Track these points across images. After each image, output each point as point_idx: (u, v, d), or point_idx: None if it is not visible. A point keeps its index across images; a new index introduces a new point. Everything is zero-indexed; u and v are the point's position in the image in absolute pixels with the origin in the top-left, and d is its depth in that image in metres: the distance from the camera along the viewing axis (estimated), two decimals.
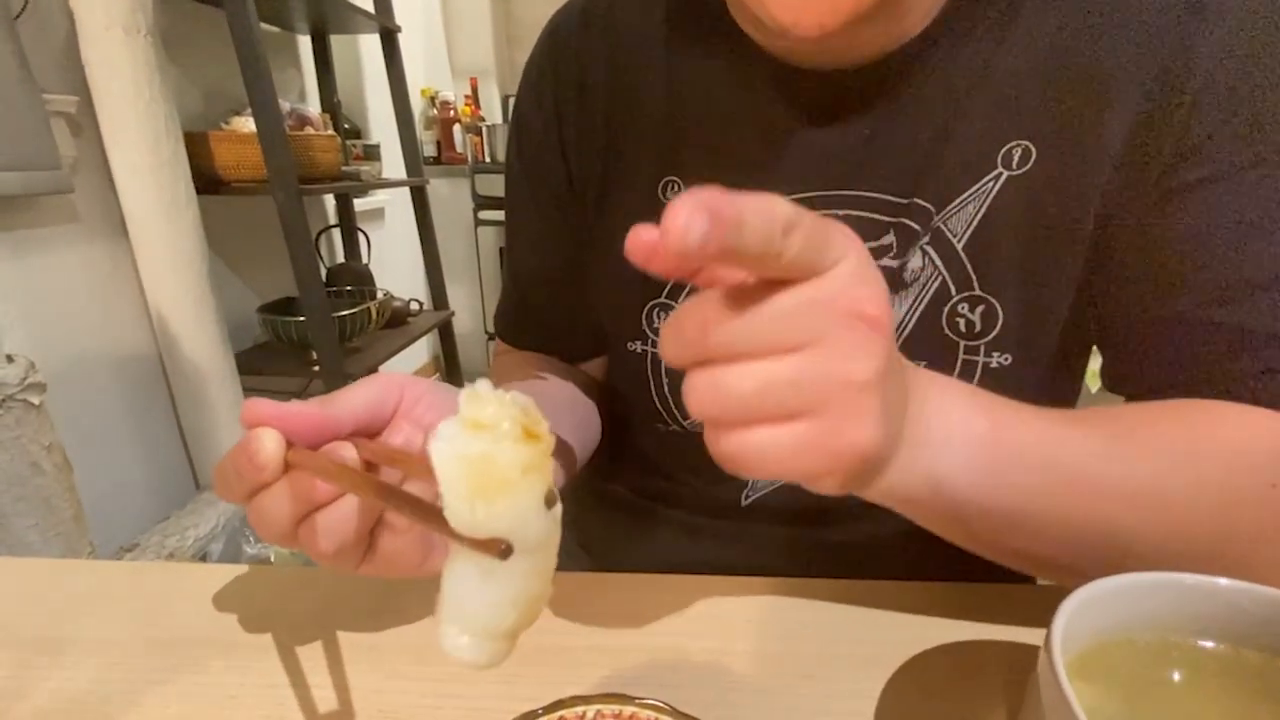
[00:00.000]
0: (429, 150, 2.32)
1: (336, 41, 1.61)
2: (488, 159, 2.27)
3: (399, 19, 1.56)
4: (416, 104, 2.18)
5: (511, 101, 2.56)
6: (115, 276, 1.07)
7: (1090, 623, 0.22)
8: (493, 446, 0.17)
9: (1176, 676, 0.23)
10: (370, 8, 1.47)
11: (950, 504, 0.25)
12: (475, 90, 2.39)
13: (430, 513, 0.18)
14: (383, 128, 1.91)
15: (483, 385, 0.18)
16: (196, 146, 1.10)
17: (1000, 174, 0.34)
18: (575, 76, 0.42)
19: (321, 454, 0.24)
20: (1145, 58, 0.31)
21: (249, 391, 1.21)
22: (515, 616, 0.18)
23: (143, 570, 0.38)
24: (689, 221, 0.15)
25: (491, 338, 2.14)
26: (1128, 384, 0.35)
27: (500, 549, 0.17)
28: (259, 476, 0.23)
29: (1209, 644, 0.23)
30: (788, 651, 0.29)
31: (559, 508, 0.18)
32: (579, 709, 0.22)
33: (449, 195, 2.25)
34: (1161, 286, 0.32)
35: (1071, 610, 0.21)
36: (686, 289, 0.40)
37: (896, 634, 0.29)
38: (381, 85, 1.66)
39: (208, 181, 1.12)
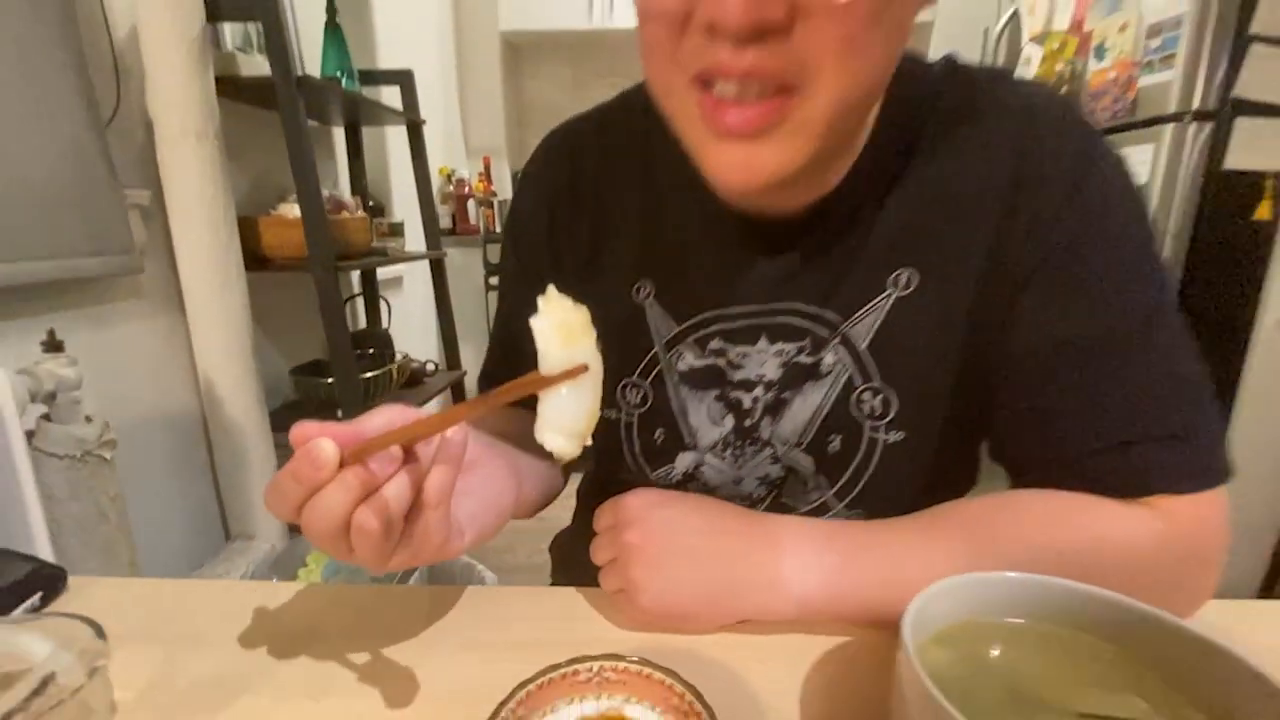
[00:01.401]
0: (444, 222, 2.49)
1: (367, 132, 1.80)
2: (498, 230, 2.44)
3: (421, 106, 1.75)
4: (434, 181, 2.36)
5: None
6: (171, 346, 1.19)
7: (944, 608, 0.32)
8: (568, 314, 0.30)
9: (1003, 647, 0.32)
10: (399, 105, 1.66)
11: (816, 614, 0.38)
12: (488, 168, 2.60)
13: (524, 382, 0.30)
14: (404, 202, 2.08)
15: (550, 290, 0.30)
16: (247, 230, 1.25)
17: (891, 294, 0.43)
18: (568, 187, 0.51)
19: (379, 435, 0.31)
20: (993, 203, 0.40)
21: (279, 448, 1.31)
22: (586, 421, 0.31)
23: (237, 587, 0.48)
24: None
25: None
26: (1001, 458, 0.45)
27: (584, 368, 0.30)
28: (319, 475, 0.29)
29: (1029, 622, 0.33)
30: (744, 639, 0.39)
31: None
32: (588, 664, 0.32)
33: (462, 263, 2.41)
34: (1016, 389, 0.42)
35: (922, 601, 0.30)
36: (654, 372, 0.50)
37: (829, 628, 0.39)
38: (404, 167, 1.84)
39: (254, 260, 1.26)
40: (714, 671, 0.36)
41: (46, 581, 0.44)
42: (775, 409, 0.47)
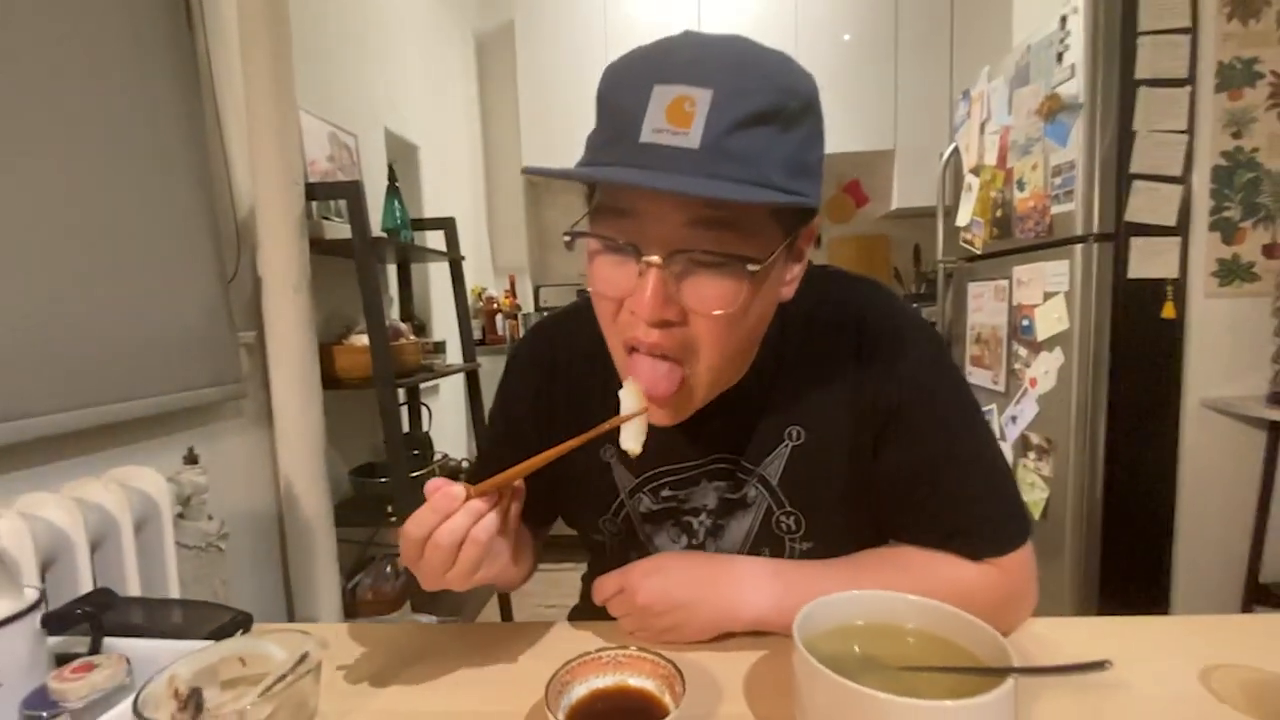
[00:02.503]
0: (475, 333, 2.80)
1: (414, 265, 2.13)
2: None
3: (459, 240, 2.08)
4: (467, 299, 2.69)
5: (541, 291, 3.11)
6: (259, 455, 1.44)
7: (826, 615, 0.51)
8: (636, 388, 0.51)
9: (860, 637, 0.51)
10: (443, 245, 2.00)
11: (769, 626, 0.55)
12: (513, 284, 2.94)
13: (615, 420, 0.51)
14: (442, 318, 2.39)
15: (628, 382, 0.51)
16: (324, 355, 1.52)
17: (787, 445, 0.59)
18: (547, 372, 0.66)
19: (492, 479, 0.47)
20: (845, 379, 0.57)
21: (340, 542, 1.52)
22: (642, 435, 0.51)
23: (356, 627, 0.67)
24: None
25: None
26: (894, 539, 0.63)
27: (646, 409, 0.51)
28: (453, 505, 0.45)
29: (875, 621, 0.52)
30: (716, 646, 0.58)
31: None
32: (608, 651, 0.51)
33: (491, 369, 2.69)
34: (887, 501, 0.59)
35: (806, 610, 0.49)
36: (622, 512, 0.64)
37: (769, 640, 0.58)
38: (444, 291, 2.16)
39: (328, 380, 1.53)
40: (688, 662, 0.56)
41: (243, 623, 0.65)
42: (715, 531, 0.63)
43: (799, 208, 0.47)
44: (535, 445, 0.68)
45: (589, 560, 0.77)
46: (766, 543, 0.63)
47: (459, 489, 0.46)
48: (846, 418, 0.59)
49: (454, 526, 0.46)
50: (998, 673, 0.43)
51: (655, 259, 0.45)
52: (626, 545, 0.67)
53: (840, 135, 2.82)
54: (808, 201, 0.46)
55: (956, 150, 2.15)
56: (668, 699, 0.49)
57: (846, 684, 0.42)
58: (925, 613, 0.50)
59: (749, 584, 0.57)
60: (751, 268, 0.45)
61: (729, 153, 0.42)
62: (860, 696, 0.41)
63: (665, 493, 0.63)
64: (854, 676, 0.41)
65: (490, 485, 0.48)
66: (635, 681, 0.51)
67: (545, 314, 2.98)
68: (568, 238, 0.50)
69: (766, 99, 0.43)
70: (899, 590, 0.51)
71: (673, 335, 0.48)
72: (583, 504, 0.68)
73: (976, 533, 0.57)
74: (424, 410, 2.11)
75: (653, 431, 0.60)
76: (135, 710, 0.44)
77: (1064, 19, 1.54)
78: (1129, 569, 1.57)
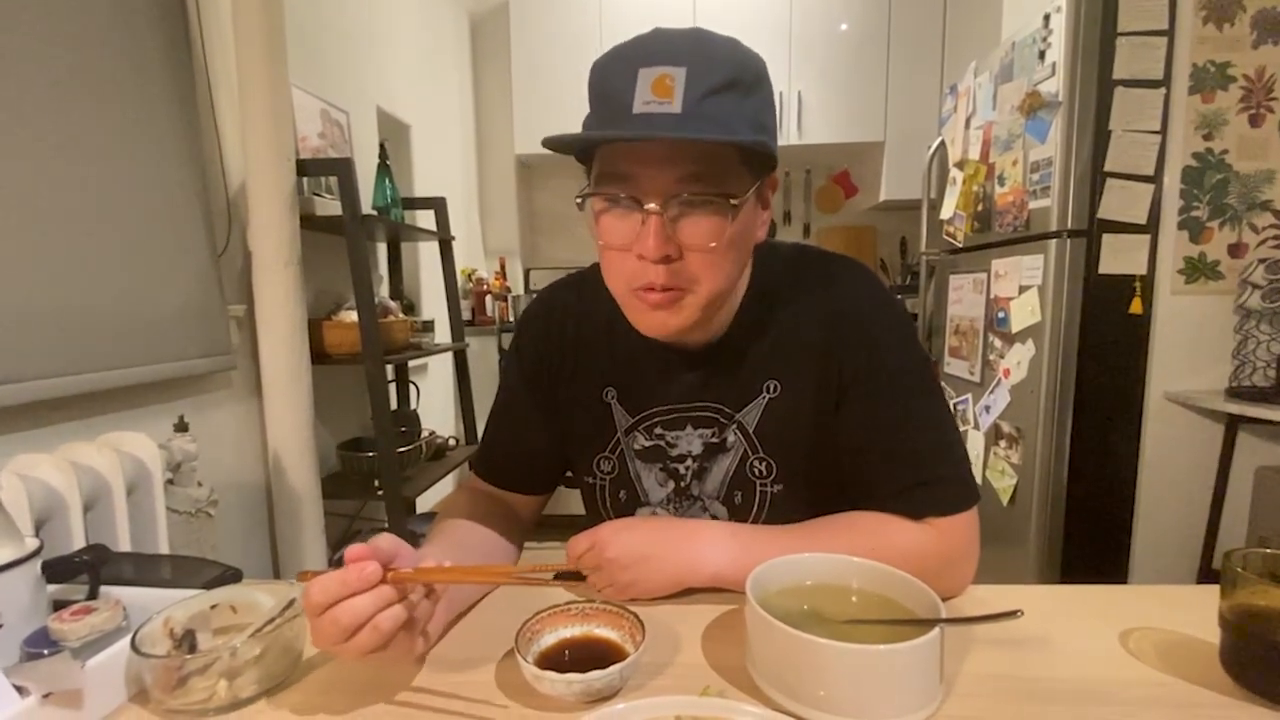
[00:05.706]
0: (465, 314, 2.82)
1: (404, 245, 2.15)
2: (511, 320, 2.77)
3: (449, 222, 2.09)
4: (457, 280, 2.71)
5: (531, 274, 3.12)
6: (248, 426, 1.47)
7: (777, 575, 0.56)
8: None
9: (808, 594, 0.56)
10: (433, 225, 2.02)
11: (726, 583, 0.60)
12: (503, 266, 2.96)
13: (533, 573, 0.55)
14: (432, 298, 2.41)
15: None
16: (313, 331, 1.54)
17: (764, 397, 0.65)
18: (558, 326, 0.73)
19: (419, 570, 0.46)
20: (817, 343, 0.63)
21: (327, 515, 1.55)
22: None
23: None
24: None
25: None
26: (851, 490, 0.66)
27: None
28: (364, 584, 0.43)
29: (821, 581, 0.56)
30: (670, 601, 0.62)
31: None
32: (576, 604, 0.55)
33: (479, 350, 2.72)
34: (845, 456, 0.64)
35: (758, 570, 0.53)
36: (618, 450, 0.71)
37: (728, 596, 0.63)
38: (434, 271, 2.18)
39: (317, 355, 1.55)
40: (651, 617, 0.60)
41: (233, 577, 0.68)
42: (700, 474, 0.69)
43: (763, 160, 0.57)
44: (543, 389, 0.74)
45: (586, 512, 0.80)
46: (741, 486, 0.68)
47: (375, 568, 0.45)
48: (815, 379, 0.65)
49: (357, 607, 0.44)
50: (926, 623, 0.48)
51: (654, 206, 0.54)
52: (617, 485, 0.72)
53: (832, 125, 2.84)
54: (771, 146, 0.56)
55: (943, 144, 2.18)
56: (629, 647, 0.52)
57: (791, 631, 0.46)
58: (867, 573, 0.55)
59: (709, 543, 0.62)
60: (733, 201, 0.55)
61: (705, 115, 0.51)
62: (803, 643, 0.45)
63: (657, 430, 0.70)
64: (800, 629, 0.45)
65: (411, 577, 0.47)
66: (600, 631, 0.55)
67: (536, 292, 3.01)
68: (579, 199, 0.59)
69: (728, 72, 0.52)
70: (847, 552, 0.55)
71: (673, 271, 0.56)
72: (585, 442, 0.73)
73: (923, 491, 0.62)
74: (412, 388, 2.14)
75: (650, 375, 0.69)
76: (133, 646, 0.48)
77: (1047, 17, 1.57)
78: (1090, 554, 1.64)
